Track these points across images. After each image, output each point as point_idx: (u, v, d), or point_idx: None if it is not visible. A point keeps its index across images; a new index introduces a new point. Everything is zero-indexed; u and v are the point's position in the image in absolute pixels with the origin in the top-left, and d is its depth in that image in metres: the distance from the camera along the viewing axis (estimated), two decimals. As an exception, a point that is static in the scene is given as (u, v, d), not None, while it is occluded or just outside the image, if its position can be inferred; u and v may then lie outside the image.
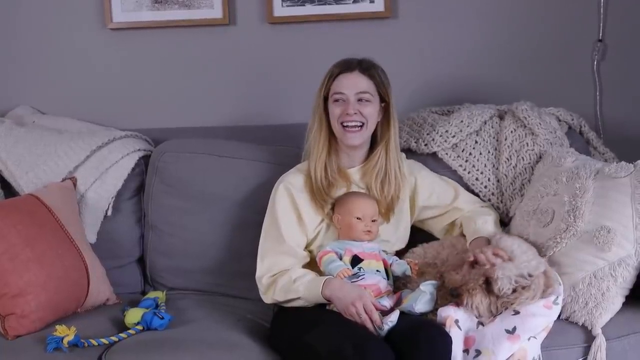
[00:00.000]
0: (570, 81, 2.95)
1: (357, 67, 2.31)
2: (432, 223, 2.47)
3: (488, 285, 2.07)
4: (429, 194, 2.43)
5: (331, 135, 2.34)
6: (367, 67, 2.32)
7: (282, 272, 2.24)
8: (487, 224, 2.35)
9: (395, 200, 2.36)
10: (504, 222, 2.49)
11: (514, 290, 2.06)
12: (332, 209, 2.32)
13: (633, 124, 2.92)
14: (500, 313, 2.07)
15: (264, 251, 2.31)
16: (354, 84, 2.29)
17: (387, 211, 2.35)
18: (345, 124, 2.28)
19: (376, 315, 2.06)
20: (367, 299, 2.08)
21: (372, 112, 2.30)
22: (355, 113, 2.27)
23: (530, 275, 2.06)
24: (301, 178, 2.35)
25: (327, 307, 2.17)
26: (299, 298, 2.19)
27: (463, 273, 2.11)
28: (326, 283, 2.14)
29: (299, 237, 2.30)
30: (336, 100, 2.30)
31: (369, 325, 2.06)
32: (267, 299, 2.27)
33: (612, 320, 2.16)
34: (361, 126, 2.29)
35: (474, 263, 2.10)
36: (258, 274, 2.29)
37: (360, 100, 2.28)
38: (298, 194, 2.32)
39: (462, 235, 2.38)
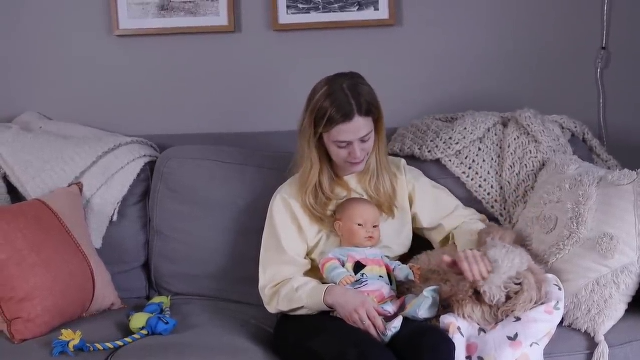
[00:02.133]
0: (574, 89, 2.95)
1: (354, 111, 2.19)
2: (428, 234, 2.47)
3: (478, 295, 2.07)
4: (424, 204, 2.43)
5: (323, 158, 2.31)
6: (362, 105, 2.20)
7: (285, 281, 2.25)
8: (476, 224, 2.38)
9: (393, 195, 2.36)
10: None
11: (508, 298, 2.06)
12: (333, 215, 2.33)
13: (636, 132, 2.92)
14: (502, 320, 2.07)
15: (266, 262, 2.31)
16: (356, 130, 2.20)
17: (390, 206, 2.35)
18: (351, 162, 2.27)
19: (379, 321, 2.07)
20: (369, 305, 2.09)
21: (372, 143, 2.28)
22: (361, 153, 2.25)
23: (517, 278, 2.06)
24: (297, 190, 2.34)
25: (331, 314, 2.17)
26: (302, 307, 2.19)
27: (452, 284, 2.11)
28: (328, 291, 2.14)
29: (299, 246, 2.31)
30: (340, 147, 2.25)
31: (373, 331, 2.06)
32: (272, 309, 2.28)
33: (614, 327, 2.16)
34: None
35: (453, 265, 2.10)
36: (261, 284, 2.30)
37: (362, 141, 2.24)
38: (295, 203, 2.33)
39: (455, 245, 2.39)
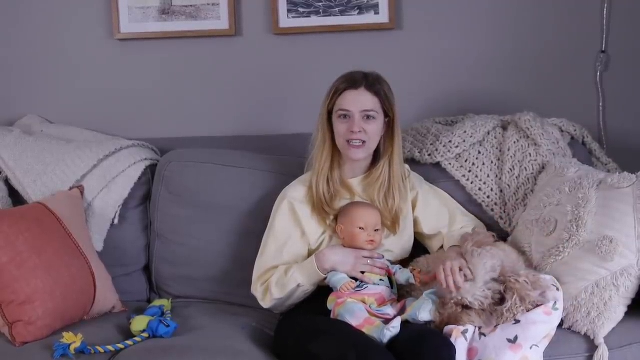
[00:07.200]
0: (573, 92, 2.95)
1: (363, 83, 2.29)
2: (428, 242, 2.48)
3: (468, 307, 2.08)
4: (426, 210, 2.44)
5: (334, 148, 2.35)
6: (372, 84, 2.30)
7: (272, 270, 2.30)
8: (464, 229, 2.40)
9: (400, 213, 2.37)
10: (507, 233, 2.50)
11: (503, 298, 2.07)
12: (335, 219, 2.34)
13: (636, 135, 2.92)
14: (502, 323, 2.08)
15: (260, 265, 2.34)
16: (359, 101, 2.28)
17: (393, 223, 2.36)
18: (349, 141, 2.29)
19: (375, 254, 2.26)
20: (359, 251, 2.24)
21: (375, 129, 2.31)
22: (360, 131, 2.27)
23: (498, 277, 2.08)
24: (303, 190, 2.37)
25: (332, 316, 2.18)
26: (298, 286, 2.22)
27: (440, 312, 2.10)
28: (318, 259, 2.22)
29: (299, 250, 2.33)
30: (341, 117, 2.30)
31: (378, 269, 2.21)
32: (267, 302, 2.30)
33: (614, 329, 2.17)
34: (364, 142, 2.30)
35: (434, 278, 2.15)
36: (253, 284, 2.34)
37: (364, 117, 2.29)
38: (299, 205, 2.34)
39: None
